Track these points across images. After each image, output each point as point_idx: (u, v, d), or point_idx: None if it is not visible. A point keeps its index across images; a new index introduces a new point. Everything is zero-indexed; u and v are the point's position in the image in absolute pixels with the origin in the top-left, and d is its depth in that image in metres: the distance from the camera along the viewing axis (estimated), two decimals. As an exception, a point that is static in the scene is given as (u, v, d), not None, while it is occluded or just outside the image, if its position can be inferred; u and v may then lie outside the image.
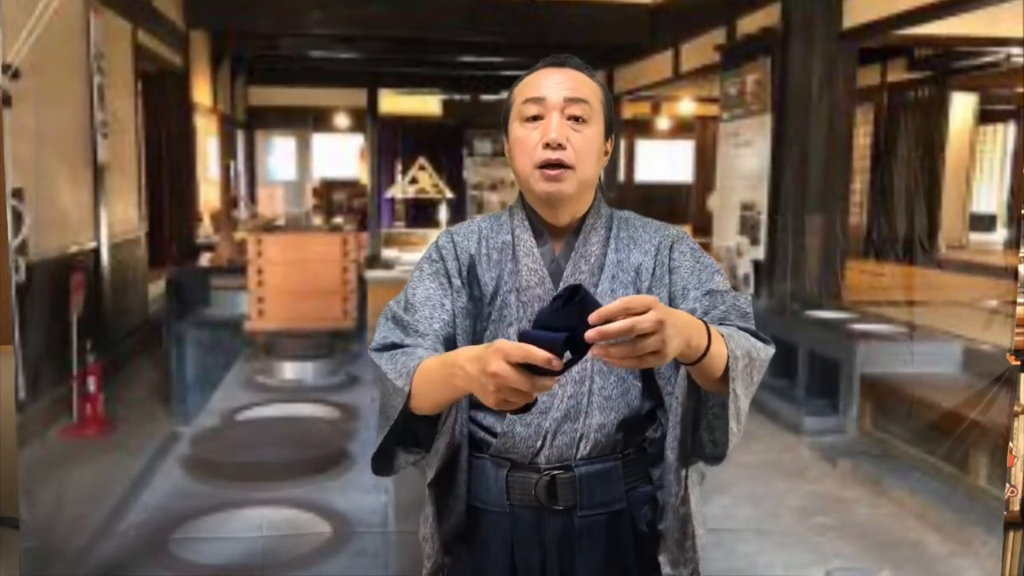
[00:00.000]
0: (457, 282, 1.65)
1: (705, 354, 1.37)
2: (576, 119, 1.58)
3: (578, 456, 1.62)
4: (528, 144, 1.59)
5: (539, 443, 1.61)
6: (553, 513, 1.64)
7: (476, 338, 1.66)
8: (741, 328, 1.54)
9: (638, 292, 1.63)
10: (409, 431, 1.61)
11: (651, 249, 1.66)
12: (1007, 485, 3.36)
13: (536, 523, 1.64)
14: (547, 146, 1.56)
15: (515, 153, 1.62)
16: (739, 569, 3.56)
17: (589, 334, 1.22)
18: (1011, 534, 3.35)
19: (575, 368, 1.57)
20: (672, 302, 1.62)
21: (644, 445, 1.70)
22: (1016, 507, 3.35)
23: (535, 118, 1.59)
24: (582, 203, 1.65)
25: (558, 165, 1.57)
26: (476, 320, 1.67)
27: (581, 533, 1.63)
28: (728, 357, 1.42)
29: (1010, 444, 3.34)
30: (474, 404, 1.65)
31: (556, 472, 1.62)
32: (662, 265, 1.65)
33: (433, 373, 1.48)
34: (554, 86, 1.58)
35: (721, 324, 1.53)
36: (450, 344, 1.63)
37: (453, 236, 1.70)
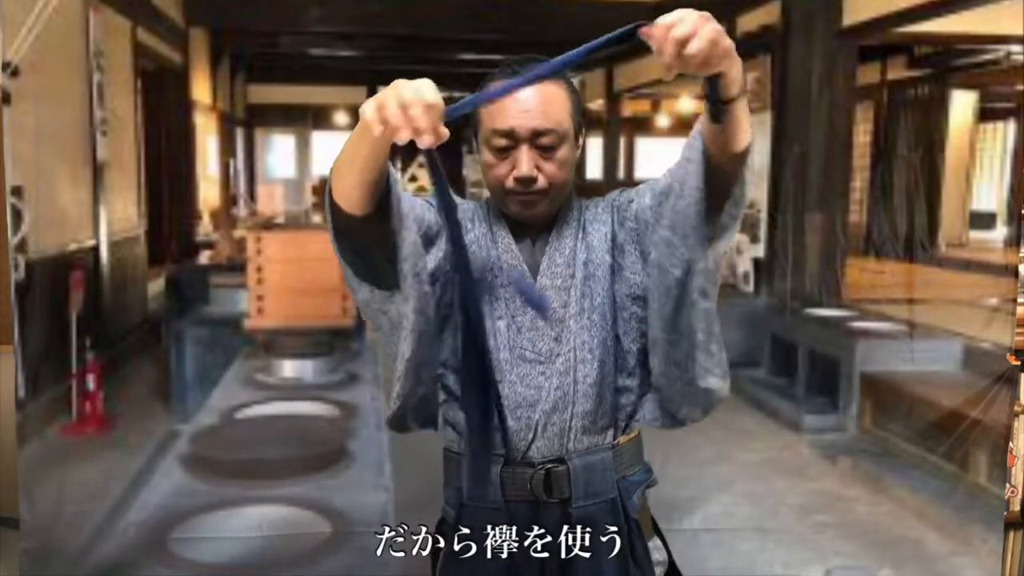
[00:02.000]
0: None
1: (738, 97, 1.34)
2: (546, 148, 1.56)
3: (569, 447, 1.63)
4: (499, 172, 1.57)
5: (530, 435, 1.62)
6: (548, 506, 1.65)
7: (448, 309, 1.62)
8: None
9: (614, 259, 1.64)
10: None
11: (607, 217, 1.66)
12: (1007, 485, 3.36)
13: (532, 517, 1.65)
14: (518, 180, 1.56)
15: (486, 174, 1.60)
16: (739, 567, 3.56)
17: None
18: (1011, 534, 3.35)
19: (559, 361, 1.60)
20: (641, 235, 1.61)
21: (630, 432, 1.70)
22: (1016, 507, 3.34)
23: (504, 148, 1.56)
24: (555, 206, 1.65)
25: (532, 193, 1.57)
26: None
27: (576, 524, 1.65)
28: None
29: (1010, 444, 3.34)
30: (460, 399, 1.66)
31: (550, 466, 1.63)
32: (620, 218, 1.65)
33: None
34: (521, 115, 1.54)
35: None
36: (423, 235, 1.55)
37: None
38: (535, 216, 1.61)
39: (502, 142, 1.55)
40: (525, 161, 1.55)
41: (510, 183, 1.56)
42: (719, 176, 1.44)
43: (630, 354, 1.65)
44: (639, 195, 1.63)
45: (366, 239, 1.47)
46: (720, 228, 1.49)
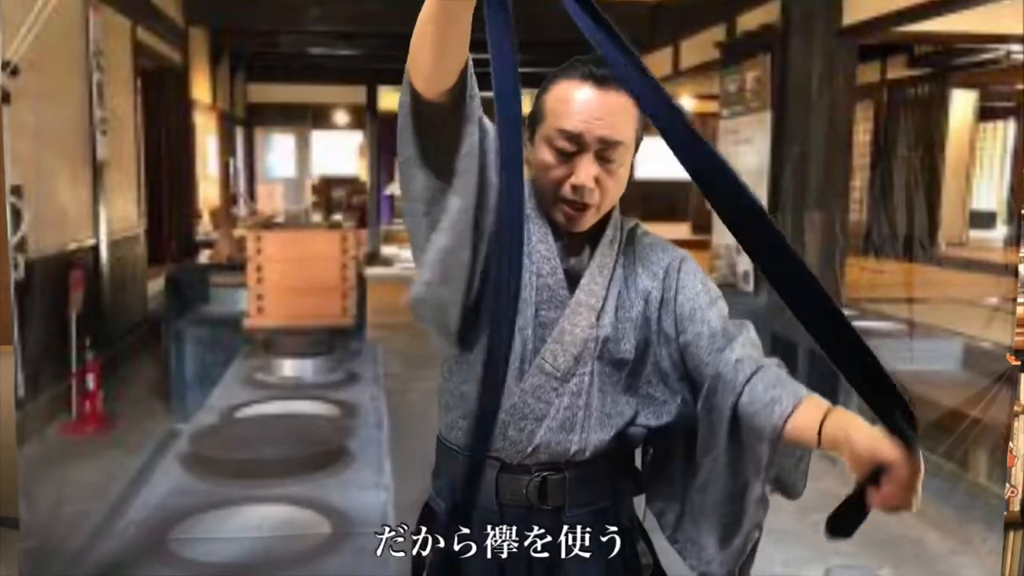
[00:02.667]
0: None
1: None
2: (608, 160, 1.50)
3: (570, 460, 1.60)
4: (554, 175, 1.52)
5: (530, 448, 1.59)
6: (542, 512, 1.64)
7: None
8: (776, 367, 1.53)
9: (646, 319, 1.59)
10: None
11: (659, 272, 1.60)
12: (1007, 485, 3.36)
13: (524, 521, 1.63)
14: (574, 188, 1.50)
15: (539, 173, 1.56)
16: (739, 567, 3.56)
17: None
18: (1011, 534, 3.35)
19: (572, 380, 1.55)
20: (679, 323, 1.58)
21: (630, 446, 1.68)
22: (1016, 507, 3.34)
23: (567, 153, 1.51)
24: (599, 218, 1.60)
25: (584, 206, 1.54)
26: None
27: (568, 530, 1.63)
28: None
29: (1010, 444, 3.34)
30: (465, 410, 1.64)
31: (547, 474, 1.60)
32: (670, 289, 1.59)
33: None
34: (592, 122, 1.48)
35: (740, 353, 1.52)
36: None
37: None
38: (579, 228, 1.56)
39: (567, 145, 1.50)
40: (584, 169, 1.49)
41: (566, 189, 1.51)
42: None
43: (655, 416, 1.63)
44: (692, 311, 1.59)
45: (439, 119, 1.39)
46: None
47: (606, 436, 1.59)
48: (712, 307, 1.58)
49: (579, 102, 1.49)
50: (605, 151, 1.49)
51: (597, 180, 1.50)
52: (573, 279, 1.59)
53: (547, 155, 1.53)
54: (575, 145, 1.49)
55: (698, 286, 1.60)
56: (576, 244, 1.60)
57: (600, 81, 1.50)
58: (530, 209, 1.59)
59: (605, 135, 1.48)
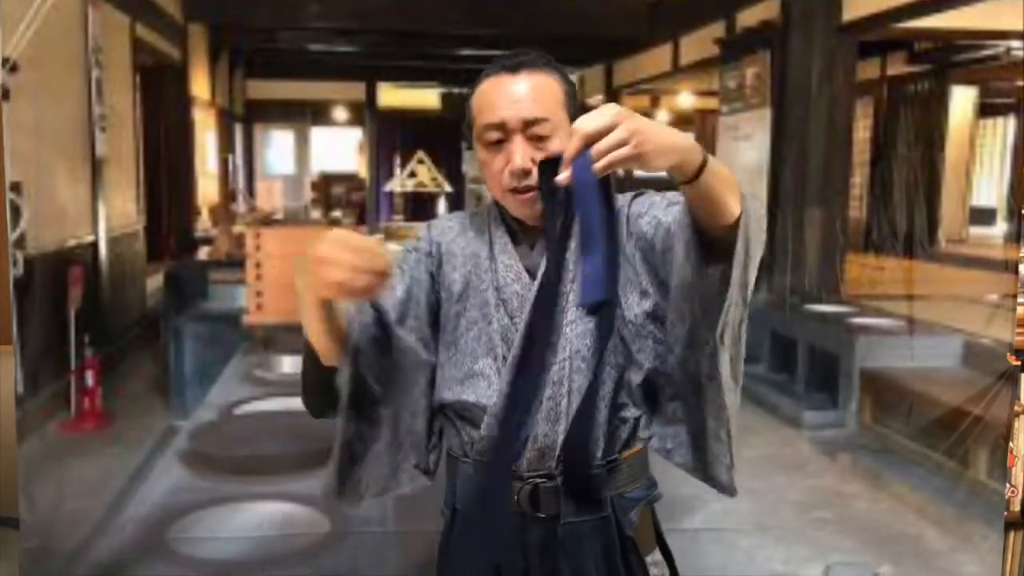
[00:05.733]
0: (431, 269, 1.64)
1: (703, 169, 1.29)
2: (539, 138, 1.50)
3: (561, 461, 1.60)
4: (494, 169, 1.53)
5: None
6: (536, 520, 1.62)
7: (449, 337, 1.62)
8: None
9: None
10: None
11: (620, 212, 1.57)
12: (1008, 485, 3.35)
13: (519, 529, 1.62)
14: (513, 173, 1.51)
15: (484, 174, 1.58)
16: (739, 564, 3.55)
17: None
18: (1011, 534, 3.34)
19: (553, 369, 1.54)
20: (642, 241, 1.54)
21: (631, 448, 1.65)
22: (1016, 507, 3.33)
23: (498, 142, 1.51)
24: None
25: (528, 188, 1.53)
26: (444, 318, 1.63)
27: (564, 540, 1.60)
28: (737, 183, 1.35)
29: (1010, 444, 3.33)
30: (453, 407, 1.63)
31: (539, 480, 1.59)
32: (630, 229, 1.56)
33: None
34: (511, 106, 1.50)
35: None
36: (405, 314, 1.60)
37: (431, 227, 1.68)
38: (538, 215, 1.56)
39: (494, 135, 1.51)
40: (518, 152, 1.49)
41: (506, 178, 1.51)
42: (714, 252, 1.37)
43: (640, 371, 1.58)
44: (661, 211, 1.54)
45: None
46: (721, 312, 1.41)
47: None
48: (665, 200, 1.55)
49: (496, 93, 1.51)
50: (534, 129, 1.49)
51: (534, 161, 1.49)
52: (537, 272, 1.59)
53: (483, 153, 1.54)
54: (502, 132, 1.50)
55: (651, 198, 1.58)
56: (539, 241, 1.59)
57: (512, 68, 1.52)
58: (492, 220, 1.61)
59: (527, 115, 1.49)
